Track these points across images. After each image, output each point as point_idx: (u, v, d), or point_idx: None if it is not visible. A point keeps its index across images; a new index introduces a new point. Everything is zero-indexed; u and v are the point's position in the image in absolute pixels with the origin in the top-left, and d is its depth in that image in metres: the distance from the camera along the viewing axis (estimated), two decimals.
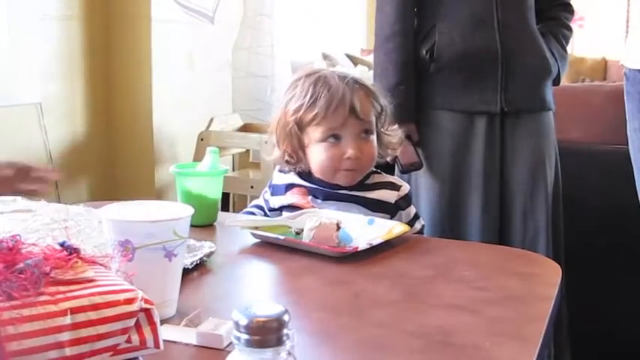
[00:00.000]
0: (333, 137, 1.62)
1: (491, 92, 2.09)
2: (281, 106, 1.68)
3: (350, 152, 1.60)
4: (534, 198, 2.13)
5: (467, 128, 2.11)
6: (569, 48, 2.31)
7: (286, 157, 1.67)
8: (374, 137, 1.66)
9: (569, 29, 2.31)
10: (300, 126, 1.63)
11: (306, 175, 1.68)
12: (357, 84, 1.64)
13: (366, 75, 3.27)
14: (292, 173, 1.70)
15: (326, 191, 1.64)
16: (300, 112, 1.62)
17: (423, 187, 2.13)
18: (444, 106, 2.13)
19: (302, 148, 1.65)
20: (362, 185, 1.66)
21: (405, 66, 2.12)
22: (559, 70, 2.21)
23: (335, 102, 1.60)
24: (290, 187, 1.68)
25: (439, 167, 2.12)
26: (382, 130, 1.70)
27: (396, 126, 1.76)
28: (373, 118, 1.66)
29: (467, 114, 2.11)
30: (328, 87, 1.61)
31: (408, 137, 2.08)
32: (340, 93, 1.60)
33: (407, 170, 2.09)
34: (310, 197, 1.65)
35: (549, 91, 2.20)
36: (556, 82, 2.22)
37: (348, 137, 1.61)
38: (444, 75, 2.11)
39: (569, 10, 2.33)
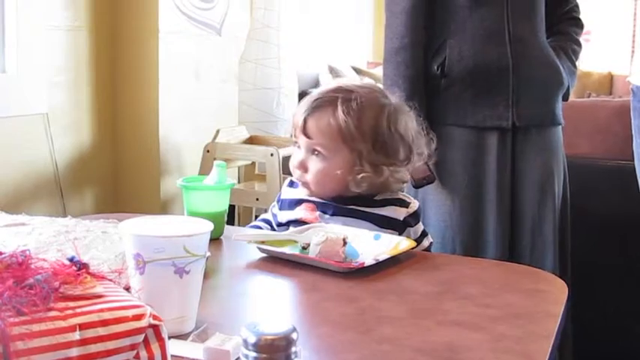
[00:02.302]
0: (298, 145, 1.69)
1: (502, 107, 2.07)
2: None
3: (292, 162, 1.68)
4: (543, 214, 2.12)
5: (478, 144, 2.09)
6: None
7: None
8: (328, 159, 1.62)
9: (579, 44, 2.29)
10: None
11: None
12: (343, 104, 1.61)
13: None
14: (302, 188, 1.70)
15: (335, 206, 1.64)
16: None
17: (433, 203, 2.11)
18: (456, 122, 2.10)
19: None
20: (371, 201, 1.65)
21: (415, 80, 2.09)
22: (569, 85, 2.19)
23: (298, 109, 1.68)
24: (299, 202, 1.68)
25: (451, 183, 2.10)
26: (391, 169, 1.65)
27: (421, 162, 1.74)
28: (335, 142, 1.61)
29: (478, 129, 2.09)
30: (305, 97, 1.69)
31: None
32: (304, 105, 1.66)
33: (420, 185, 2.07)
34: (319, 212, 1.64)
35: (559, 106, 2.18)
36: (565, 97, 2.21)
37: (301, 148, 1.67)
38: (454, 90, 2.09)
39: (579, 24, 2.31)
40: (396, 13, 2.12)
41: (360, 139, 1.61)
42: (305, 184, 1.67)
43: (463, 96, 2.09)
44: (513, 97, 2.08)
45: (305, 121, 1.63)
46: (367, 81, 3.94)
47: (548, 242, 2.13)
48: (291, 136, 1.72)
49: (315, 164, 1.64)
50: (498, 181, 2.09)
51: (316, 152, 1.64)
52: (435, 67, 2.10)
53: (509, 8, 2.09)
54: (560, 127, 2.20)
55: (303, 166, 1.65)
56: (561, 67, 2.16)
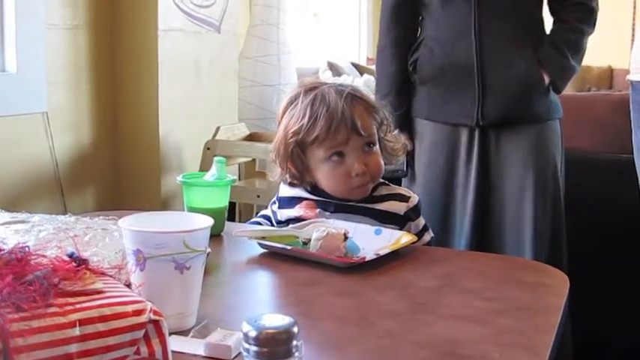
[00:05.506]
0: (337, 155, 1.59)
1: (469, 105, 2.09)
2: (280, 126, 1.65)
3: (356, 168, 1.58)
4: (520, 212, 2.09)
5: (451, 139, 2.13)
6: None
7: (289, 179, 1.66)
8: (377, 147, 1.64)
9: (578, 31, 2.17)
10: (302, 147, 1.61)
11: (313, 188, 1.66)
12: (355, 98, 1.61)
13: (372, 84, 3.27)
14: (298, 188, 1.68)
15: (334, 204, 1.63)
16: (301, 135, 1.59)
17: None
18: (429, 117, 2.16)
19: (306, 168, 1.64)
20: (371, 197, 1.64)
21: (393, 77, 2.17)
22: (555, 79, 2.11)
23: (335, 122, 1.56)
24: (298, 200, 1.66)
25: (426, 178, 2.15)
26: (385, 137, 1.69)
27: (396, 131, 1.75)
28: (375, 130, 1.64)
29: (449, 125, 2.13)
30: (327, 106, 1.57)
31: None
32: (340, 112, 1.57)
33: (389, 177, 2.08)
34: (318, 210, 1.63)
35: (543, 102, 2.12)
36: (555, 90, 2.13)
37: (351, 153, 1.59)
38: (426, 87, 2.15)
39: (584, 9, 2.17)
40: (383, 10, 2.21)
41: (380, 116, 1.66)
42: (367, 186, 1.63)
43: (434, 93, 2.14)
44: (479, 96, 2.08)
45: (353, 120, 1.57)
46: (365, 77, 3.95)
47: (527, 239, 2.08)
48: (331, 155, 1.60)
49: (375, 159, 1.63)
50: (472, 177, 2.11)
51: (368, 146, 1.62)
52: (409, 64, 2.16)
53: (477, 5, 2.05)
54: (547, 122, 2.13)
55: (367, 166, 1.61)
56: (538, 63, 2.08)
